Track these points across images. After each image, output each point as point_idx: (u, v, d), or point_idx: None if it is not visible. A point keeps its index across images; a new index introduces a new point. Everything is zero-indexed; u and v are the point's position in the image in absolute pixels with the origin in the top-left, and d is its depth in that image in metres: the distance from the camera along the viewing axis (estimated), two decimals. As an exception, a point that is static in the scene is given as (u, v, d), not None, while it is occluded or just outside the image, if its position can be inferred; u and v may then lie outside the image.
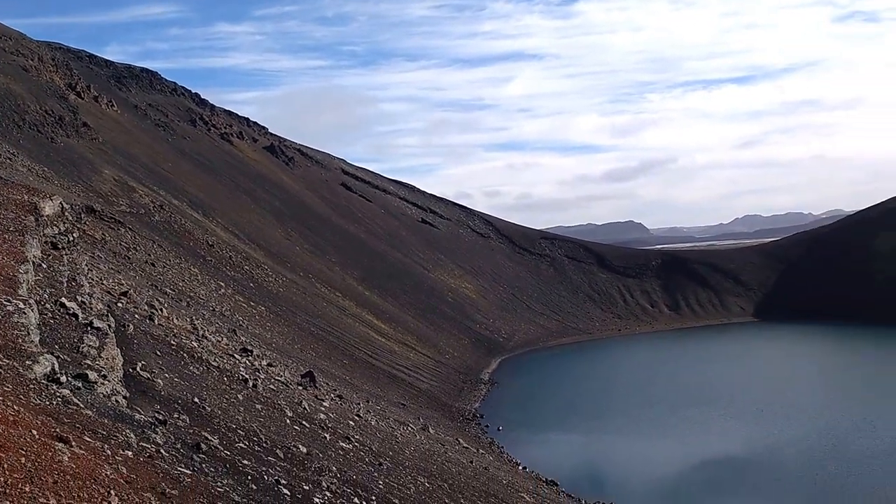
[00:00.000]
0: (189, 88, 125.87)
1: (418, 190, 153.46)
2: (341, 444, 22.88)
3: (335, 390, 37.23)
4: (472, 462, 34.68)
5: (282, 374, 31.90)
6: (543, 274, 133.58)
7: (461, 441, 42.65)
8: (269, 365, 31.86)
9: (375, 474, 20.82)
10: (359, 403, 37.33)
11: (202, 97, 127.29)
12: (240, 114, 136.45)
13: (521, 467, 44.31)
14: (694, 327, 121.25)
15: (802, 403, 64.58)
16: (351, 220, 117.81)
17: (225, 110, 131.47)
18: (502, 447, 49.98)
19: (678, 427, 57.99)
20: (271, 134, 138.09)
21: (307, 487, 15.13)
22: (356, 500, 16.32)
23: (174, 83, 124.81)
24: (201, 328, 30.83)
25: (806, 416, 59.70)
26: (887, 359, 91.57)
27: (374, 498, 17.33)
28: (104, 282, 27.69)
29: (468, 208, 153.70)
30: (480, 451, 43.37)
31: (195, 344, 26.59)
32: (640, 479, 44.70)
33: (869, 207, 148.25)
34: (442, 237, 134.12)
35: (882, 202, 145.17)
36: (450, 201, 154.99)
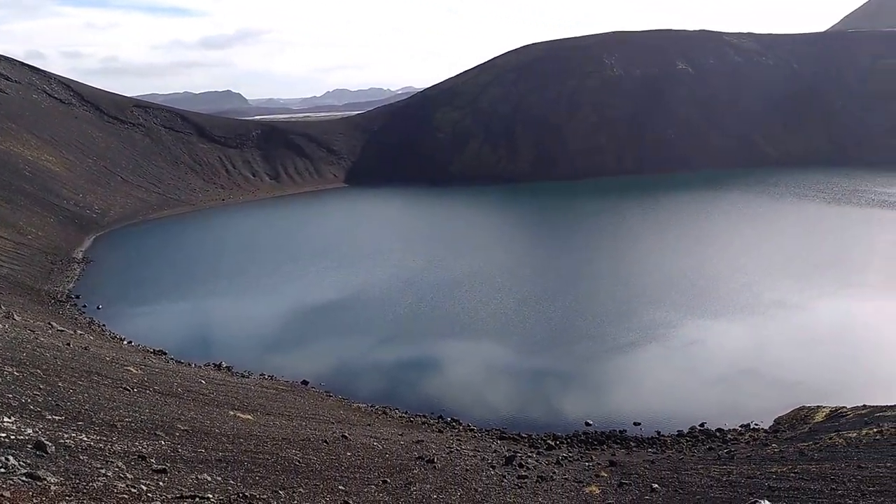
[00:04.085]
0: None
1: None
2: None
3: None
4: (69, 344, 33.67)
5: None
6: (138, 144, 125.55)
7: (55, 324, 40.60)
8: None
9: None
10: (-79, 297, 32.91)
11: None
12: None
13: (126, 342, 44.06)
14: (294, 194, 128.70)
15: (384, 252, 75.14)
16: None
17: None
18: (104, 325, 48.72)
19: (280, 283, 63.16)
20: None
21: None
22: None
23: None
24: None
25: (387, 262, 69.82)
26: (452, 209, 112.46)
27: (-57, 401, 16.65)
28: None
29: (43, 70, 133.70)
30: (79, 332, 41.92)
31: None
32: (242, 335, 48.13)
33: (431, 86, 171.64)
34: (11, 103, 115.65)
35: (440, 83, 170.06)
36: (18, 62, 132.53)
